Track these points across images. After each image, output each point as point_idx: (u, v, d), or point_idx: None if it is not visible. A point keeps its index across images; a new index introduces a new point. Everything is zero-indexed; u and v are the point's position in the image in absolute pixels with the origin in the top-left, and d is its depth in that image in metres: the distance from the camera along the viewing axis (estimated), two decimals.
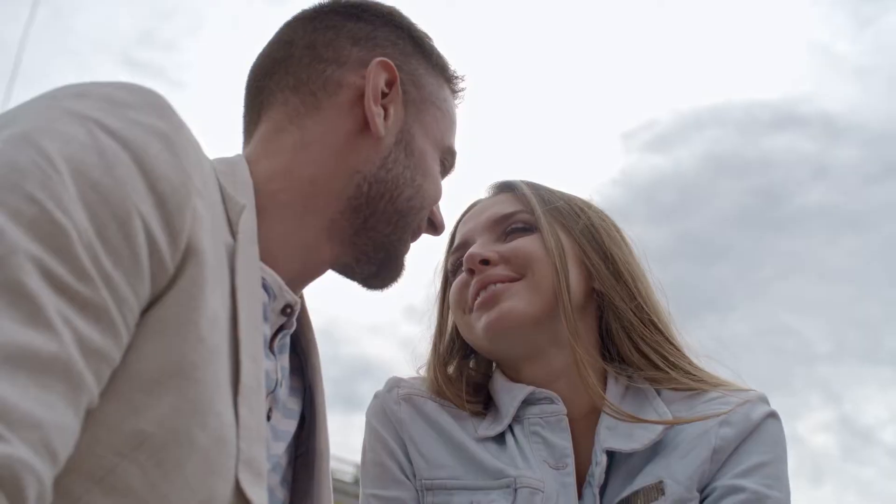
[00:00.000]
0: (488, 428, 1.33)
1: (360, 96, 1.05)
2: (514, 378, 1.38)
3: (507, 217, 1.38)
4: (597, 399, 1.28)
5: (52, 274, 0.60)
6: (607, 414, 1.27)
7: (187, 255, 0.73)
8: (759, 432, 1.24)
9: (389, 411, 1.38)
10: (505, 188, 1.45)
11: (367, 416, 1.42)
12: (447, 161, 1.19)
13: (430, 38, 1.19)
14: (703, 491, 1.21)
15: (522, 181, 1.43)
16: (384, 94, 1.07)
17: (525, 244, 1.33)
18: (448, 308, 1.46)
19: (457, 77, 1.22)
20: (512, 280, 1.31)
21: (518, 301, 1.29)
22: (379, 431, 1.37)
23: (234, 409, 0.76)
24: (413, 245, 1.17)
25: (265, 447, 0.81)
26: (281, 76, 1.09)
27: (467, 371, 1.46)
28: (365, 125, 1.05)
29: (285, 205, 1.00)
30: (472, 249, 1.33)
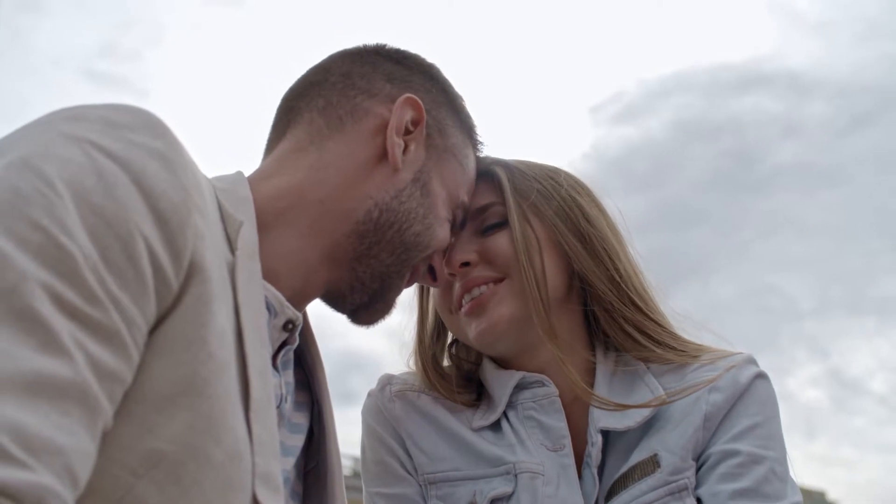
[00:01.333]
0: (483, 417, 1.34)
1: (384, 127, 1.09)
2: (504, 364, 1.39)
3: (482, 210, 1.35)
4: (583, 394, 1.28)
5: (62, 299, 0.61)
6: (596, 407, 1.28)
7: (191, 273, 0.74)
8: (748, 394, 1.25)
9: (384, 409, 1.38)
10: (484, 174, 1.40)
11: (362, 416, 1.42)
12: (457, 215, 1.22)
13: (463, 99, 1.24)
14: (699, 459, 1.22)
15: (499, 164, 1.39)
16: (408, 132, 1.10)
17: (502, 244, 1.31)
18: (427, 295, 1.46)
19: (479, 140, 1.28)
20: (495, 280, 1.30)
21: (505, 307, 1.28)
22: (376, 430, 1.38)
23: (246, 424, 0.76)
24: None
25: (279, 461, 0.82)
26: (312, 97, 1.12)
27: (456, 361, 1.46)
28: (384, 156, 1.08)
29: (291, 223, 1.02)
30: (451, 253, 1.30)
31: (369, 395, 1.43)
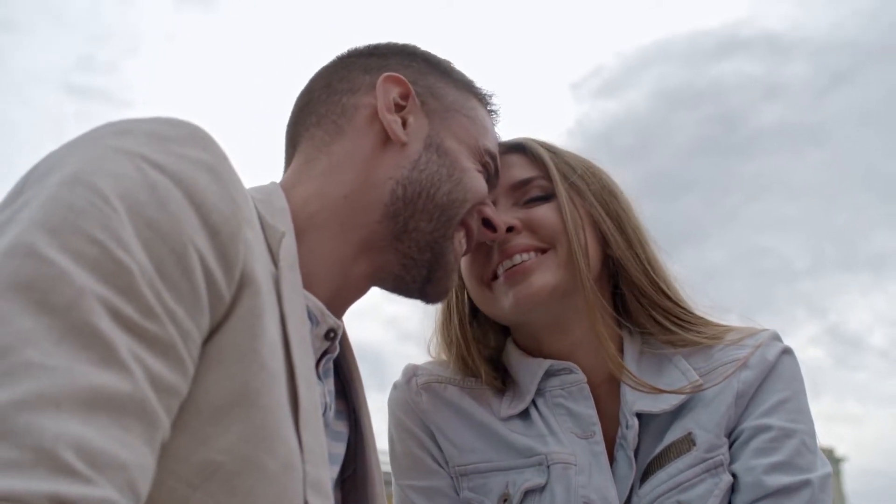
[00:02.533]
0: (511, 406, 1.34)
1: (376, 113, 1.09)
2: (532, 348, 1.38)
3: (524, 182, 1.35)
4: (617, 371, 1.28)
5: (120, 314, 0.61)
6: (629, 386, 1.28)
7: (242, 285, 0.75)
8: (776, 371, 1.26)
9: (412, 402, 1.38)
10: (516, 148, 1.40)
11: (389, 408, 1.41)
12: (488, 163, 1.21)
13: (448, 62, 1.23)
14: (731, 435, 1.24)
15: (533, 141, 1.39)
16: (400, 107, 1.10)
17: (549, 214, 1.31)
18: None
19: (486, 94, 1.26)
20: (538, 251, 1.30)
21: (549, 276, 1.28)
22: (405, 422, 1.37)
23: (296, 433, 0.77)
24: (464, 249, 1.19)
25: (329, 469, 0.83)
26: (305, 116, 1.13)
27: (478, 346, 1.44)
28: (387, 137, 1.08)
29: (322, 225, 1.03)
30: (493, 214, 1.25)
31: (395, 386, 1.43)
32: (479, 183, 1.16)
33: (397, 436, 1.38)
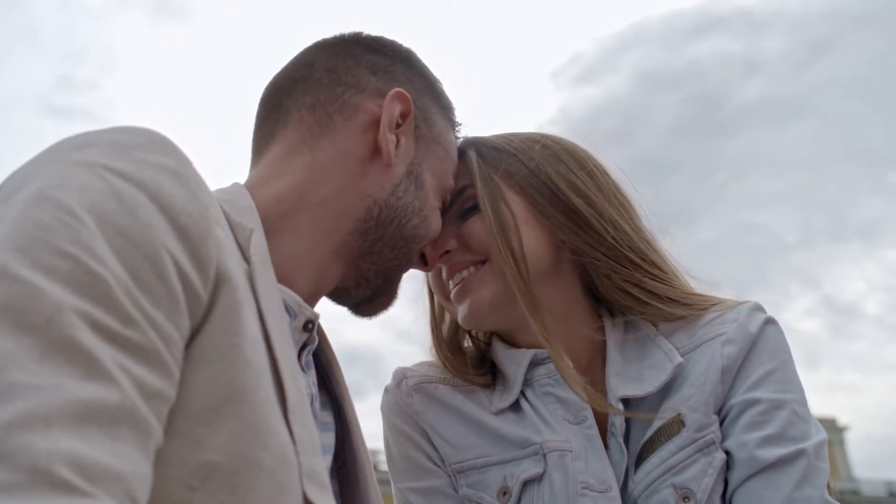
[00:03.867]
0: (501, 399, 1.33)
1: (375, 123, 1.09)
2: (512, 341, 1.38)
3: (459, 193, 1.32)
4: (564, 372, 1.24)
5: (100, 325, 0.61)
6: (612, 373, 1.28)
7: (218, 283, 0.74)
8: (760, 342, 1.24)
9: (404, 404, 1.38)
10: (460, 155, 1.34)
11: (383, 413, 1.41)
12: (446, 201, 1.23)
13: (440, 82, 1.23)
14: (721, 412, 1.22)
15: (471, 144, 1.34)
16: (398, 125, 1.10)
17: (477, 227, 1.29)
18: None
19: (458, 123, 1.28)
20: (477, 263, 1.29)
21: (486, 289, 1.27)
22: (399, 426, 1.37)
23: (286, 426, 0.77)
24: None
25: (322, 459, 0.83)
26: (299, 95, 1.11)
27: (475, 342, 1.46)
28: (376, 151, 1.08)
29: (296, 226, 1.03)
30: (430, 252, 1.27)
31: (386, 391, 1.42)
32: (438, 222, 1.19)
33: (392, 439, 1.38)
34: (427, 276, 1.42)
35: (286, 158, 1.07)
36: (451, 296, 1.32)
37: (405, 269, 1.17)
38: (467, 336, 1.47)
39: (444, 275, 1.33)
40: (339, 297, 1.15)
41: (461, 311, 1.30)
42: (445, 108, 1.24)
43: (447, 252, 1.29)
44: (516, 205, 1.28)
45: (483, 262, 1.29)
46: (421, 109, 1.16)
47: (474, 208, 1.30)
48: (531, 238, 1.27)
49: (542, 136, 1.38)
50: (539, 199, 1.29)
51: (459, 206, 1.33)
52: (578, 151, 1.37)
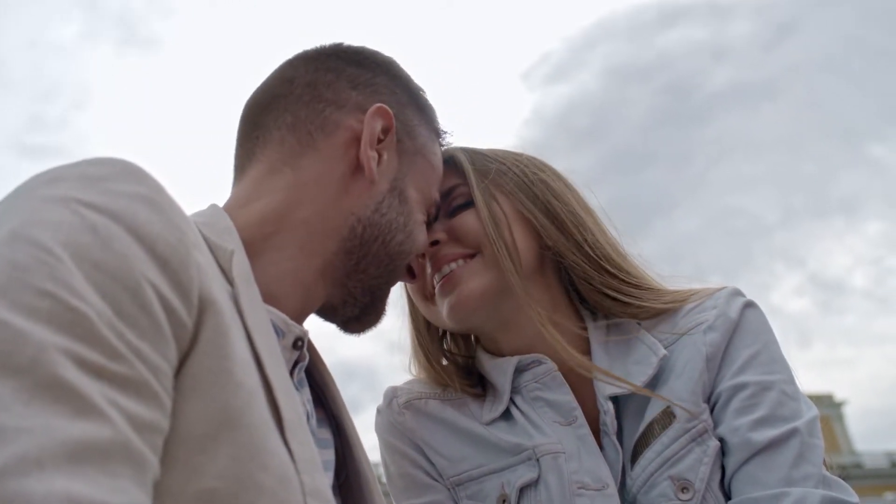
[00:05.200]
0: (492, 409, 1.34)
1: (356, 139, 1.08)
2: (495, 349, 1.38)
3: (448, 192, 1.35)
4: (570, 360, 1.27)
5: (85, 361, 0.60)
6: (599, 380, 1.28)
7: (203, 308, 0.74)
8: (741, 326, 1.26)
9: (396, 423, 1.38)
10: (444, 161, 1.39)
11: (377, 433, 1.42)
12: (431, 213, 1.23)
13: (424, 91, 1.23)
14: (710, 399, 1.23)
15: (458, 149, 1.40)
16: (379, 140, 1.10)
17: (470, 219, 1.31)
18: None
19: (444, 132, 1.27)
20: (466, 257, 1.30)
21: (477, 280, 1.28)
22: (394, 444, 1.37)
23: (284, 445, 0.76)
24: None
25: (324, 476, 0.82)
26: (279, 112, 1.10)
27: (450, 357, 1.46)
28: (358, 168, 1.08)
29: (280, 246, 1.02)
30: (415, 265, 1.28)
31: (378, 411, 1.43)
32: (424, 237, 1.19)
33: (389, 458, 1.38)
34: (405, 284, 1.42)
35: (267, 178, 1.06)
36: (436, 290, 1.32)
37: (392, 285, 1.16)
38: (449, 353, 1.48)
39: (429, 270, 1.33)
40: (326, 314, 1.14)
41: (447, 303, 1.30)
42: (429, 118, 1.23)
43: (436, 243, 1.30)
44: (505, 204, 1.33)
45: (472, 256, 1.30)
46: (403, 123, 1.15)
47: (464, 206, 1.33)
48: (521, 237, 1.31)
49: (523, 153, 1.44)
50: (525, 201, 1.34)
51: (448, 204, 1.35)
52: (553, 166, 1.43)
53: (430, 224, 1.24)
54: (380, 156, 1.10)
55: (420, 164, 1.17)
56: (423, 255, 1.32)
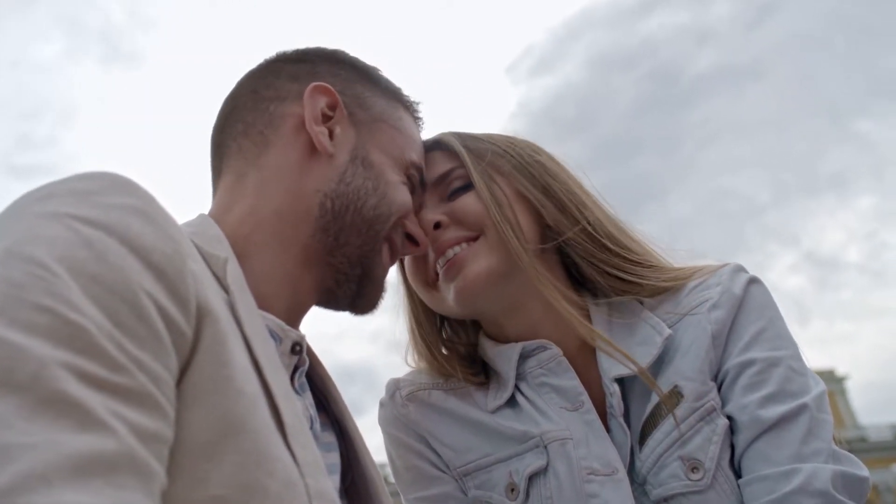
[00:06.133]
0: (497, 397, 1.33)
1: (304, 123, 1.09)
2: (499, 335, 1.37)
3: (444, 176, 1.34)
4: (582, 330, 1.26)
5: (86, 374, 0.60)
6: (602, 350, 1.26)
7: (201, 317, 0.74)
8: (746, 303, 1.24)
9: (400, 416, 1.37)
10: (434, 146, 1.39)
11: (381, 427, 1.41)
12: (413, 175, 1.21)
13: (377, 69, 1.22)
14: (717, 377, 1.22)
15: (448, 133, 1.39)
16: (328, 117, 1.10)
17: (471, 202, 1.30)
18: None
19: (413, 102, 1.26)
20: (469, 240, 1.29)
21: (482, 262, 1.26)
22: (398, 437, 1.37)
23: (288, 450, 0.76)
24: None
25: (328, 479, 0.82)
26: (231, 125, 1.12)
27: (450, 346, 1.45)
28: (314, 148, 1.08)
29: (261, 244, 1.03)
30: (421, 216, 1.28)
31: (381, 404, 1.42)
32: (403, 196, 1.17)
33: (395, 452, 1.38)
34: (401, 281, 1.41)
35: (238, 185, 1.08)
36: (440, 275, 1.30)
37: (380, 252, 1.14)
38: (449, 342, 1.46)
39: (431, 257, 1.32)
40: (330, 302, 1.14)
41: (454, 287, 1.28)
42: (387, 90, 1.22)
43: (438, 226, 1.29)
44: (505, 185, 1.31)
45: (475, 239, 1.29)
46: (352, 96, 1.15)
47: (462, 189, 1.32)
48: (522, 218, 1.29)
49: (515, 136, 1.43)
50: (524, 182, 1.32)
51: (445, 188, 1.34)
52: (541, 147, 1.42)
53: (414, 192, 1.22)
54: (331, 131, 1.10)
55: (383, 130, 1.17)
56: (418, 244, 1.28)
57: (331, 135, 1.10)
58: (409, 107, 1.26)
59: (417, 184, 1.24)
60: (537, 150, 1.39)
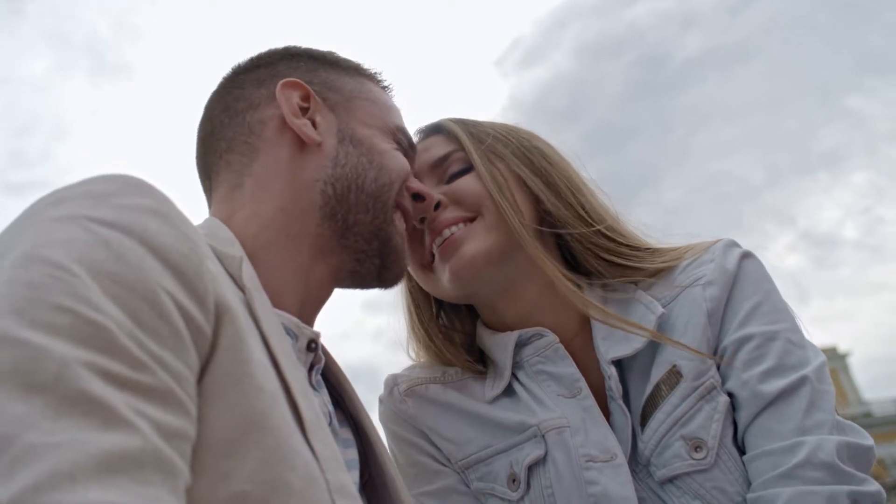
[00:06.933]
0: (494, 386, 1.33)
1: (284, 122, 1.10)
2: (495, 322, 1.38)
3: (443, 159, 1.36)
4: (582, 306, 1.26)
5: (109, 373, 0.60)
6: (597, 320, 1.26)
7: (219, 315, 0.74)
8: (741, 278, 1.24)
9: (399, 411, 1.37)
10: (433, 131, 1.43)
11: (382, 423, 1.41)
12: (401, 139, 1.22)
13: (332, 52, 1.24)
14: (716, 354, 1.21)
15: (448, 119, 1.41)
16: (305, 109, 1.12)
17: (470, 183, 1.31)
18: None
19: (374, 72, 1.27)
20: (466, 220, 1.30)
21: (480, 242, 1.27)
22: (399, 433, 1.37)
23: (307, 445, 0.77)
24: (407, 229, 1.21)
25: (348, 473, 0.83)
26: (214, 146, 1.13)
27: (447, 334, 1.45)
28: (301, 142, 1.10)
29: (270, 243, 1.04)
30: (420, 186, 1.28)
31: (380, 400, 1.42)
32: (399, 161, 1.18)
33: (396, 448, 1.38)
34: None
35: (234, 194, 1.09)
36: (436, 256, 1.31)
37: (393, 221, 1.15)
38: (447, 329, 1.47)
39: (427, 238, 1.32)
40: (356, 282, 1.16)
41: (449, 267, 1.29)
42: (349, 68, 1.24)
43: (438, 205, 1.30)
44: (504, 169, 1.33)
45: (472, 220, 1.30)
46: (320, 83, 1.17)
47: (461, 172, 1.33)
48: (520, 201, 1.30)
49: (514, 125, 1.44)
50: (523, 167, 1.33)
51: (443, 171, 1.36)
52: (547, 139, 1.43)
53: (406, 154, 1.23)
54: (313, 121, 1.12)
55: (358, 105, 1.18)
56: (422, 220, 1.31)
57: (314, 125, 1.12)
58: (372, 77, 1.27)
59: (408, 146, 1.25)
60: (535, 137, 1.40)
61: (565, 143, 1.43)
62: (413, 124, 1.39)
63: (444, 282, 1.32)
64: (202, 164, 1.16)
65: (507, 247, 1.28)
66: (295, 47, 1.23)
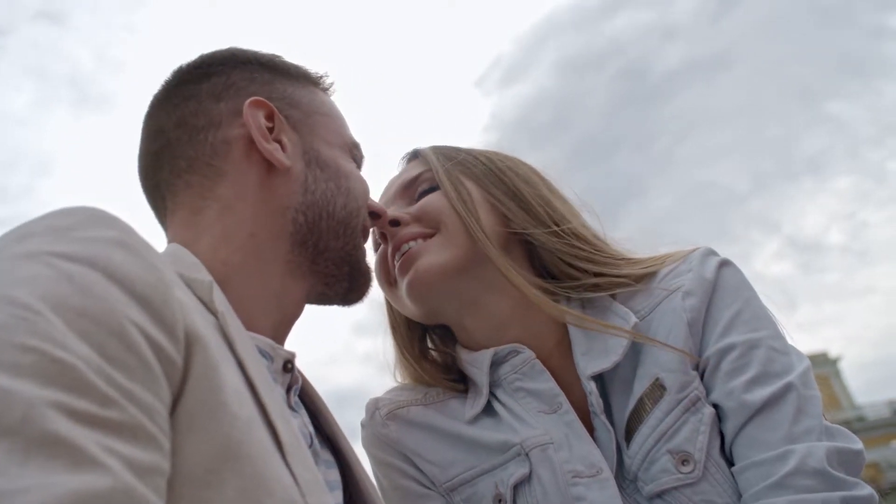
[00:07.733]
0: (473, 405, 1.32)
1: (251, 142, 1.07)
2: (468, 340, 1.37)
3: (413, 180, 1.37)
4: (555, 312, 1.25)
5: (76, 411, 0.58)
6: (572, 324, 1.26)
7: (190, 343, 0.73)
8: (720, 287, 1.23)
9: (381, 435, 1.36)
10: (412, 156, 1.45)
11: (364, 448, 1.39)
12: (356, 155, 1.21)
13: (279, 57, 1.19)
14: (698, 366, 1.20)
15: (429, 146, 1.43)
16: (270, 130, 1.08)
17: (433, 200, 1.32)
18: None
19: (320, 76, 1.24)
20: (426, 236, 1.30)
21: (434, 256, 1.27)
22: (381, 458, 1.36)
23: (287, 469, 0.76)
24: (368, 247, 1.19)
25: (329, 496, 0.81)
26: (170, 162, 1.08)
27: (429, 353, 1.45)
28: (269, 164, 1.07)
29: (240, 266, 1.02)
30: (374, 204, 1.28)
31: (362, 425, 1.41)
32: (363, 184, 1.18)
33: (380, 472, 1.36)
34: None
35: (196, 218, 1.05)
36: (397, 269, 1.31)
37: (360, 245, 1.15)
38: (422, 353, 1.47)
39: (390, 254, 1.33)
40: (323, 301, 1.15)
41: (406, 281, 1.29)
42: (297, 76, 1.20)
43: (396, 224, 1.31)
44: (472, 188, 1.32)
45: (431, 236, 1.30)
46: (280, 98, 1.13)
47: (429, 190, 1.34)
48: (486, 220, 1.30)
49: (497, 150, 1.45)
50: (492, 188, 1.34)
51: (413, 191, 1.37)
52: (528, 163, 1.43)
53: (359, 166, 1.22)
54: (279, 142, 1.09)
55: (317, 121, 1.16)
56: (385, 237, 1.32)
57: (281, 146, 1.09)
58: (319, 84, 1.23)
59: (360, 161, 1.23)
60: (511, 159, 1.41)
61: (549, 159, 1.43)
62: (395, 153, 1.45)
63: (404, 298, 1.32)
64: (153, 180, 1.11)
65: (466, 261, 1.27)
66: (241, 51, 1.17)
